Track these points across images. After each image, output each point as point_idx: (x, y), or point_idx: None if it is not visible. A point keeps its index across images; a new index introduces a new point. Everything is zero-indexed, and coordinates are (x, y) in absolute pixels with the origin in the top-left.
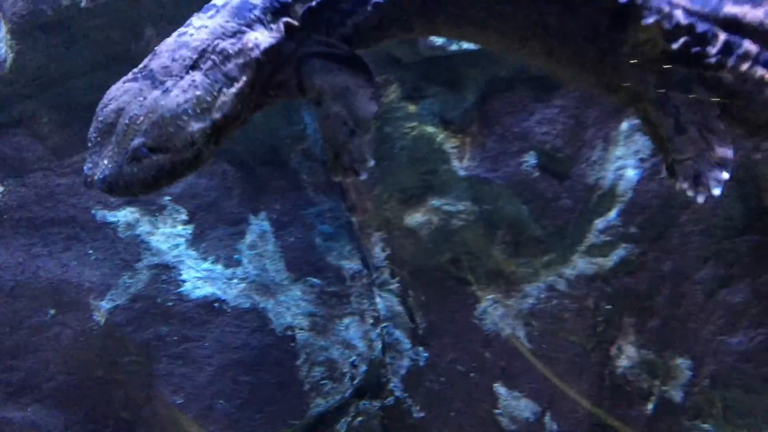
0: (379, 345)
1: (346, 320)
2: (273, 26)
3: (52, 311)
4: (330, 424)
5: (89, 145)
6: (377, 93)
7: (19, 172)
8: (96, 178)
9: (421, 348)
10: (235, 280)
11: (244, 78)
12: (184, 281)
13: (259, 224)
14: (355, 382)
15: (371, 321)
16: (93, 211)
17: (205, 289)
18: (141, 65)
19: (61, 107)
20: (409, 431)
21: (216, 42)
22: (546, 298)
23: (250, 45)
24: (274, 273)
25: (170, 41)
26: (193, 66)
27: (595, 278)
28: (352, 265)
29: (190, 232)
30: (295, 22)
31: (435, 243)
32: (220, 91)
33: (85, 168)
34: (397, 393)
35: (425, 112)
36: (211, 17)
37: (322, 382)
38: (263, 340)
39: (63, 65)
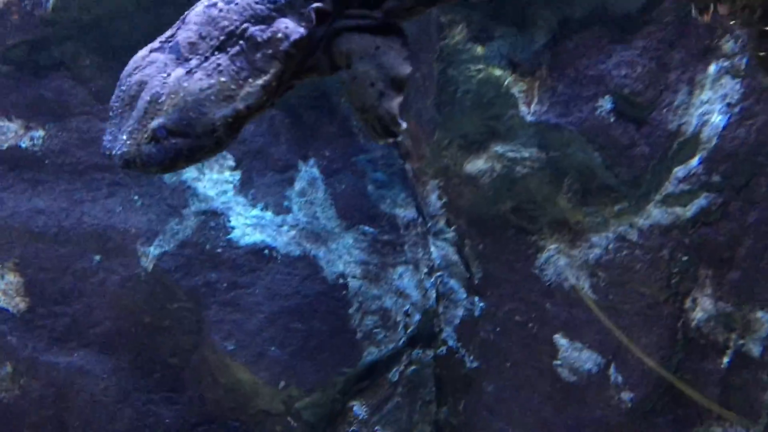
0: (433, 294)
1: (400, 269)
2: (303, 11)
3: (98, 257)
4: (382, 373)
5: (110, 114)
6: (411, 56)
7: (61, 116)
8: (114, 152)
9: (476, 298)
10: (285, 227)
11: (271, 70)
12: (232, 228)
13: (308, 171)
14: (408, 331)
15: (425, 270)
16: None
17: (254, 236)
18: (168, 33)
19: (103, 50)
20: (462, 381)
21: (245, 25)
22: (615, 248)
23: (280, 35)
24: (324, 221)
25: (199, 11)
26: (219, 47)
27: (671, 228)
28: (406, 213)
29: (237, 178)
30: (327, 7)
31: (496, 191)
32: (245, 80)
33: (104, 139)
34: (450, 343)
35: (492, 54)
36: None
37: (374, 330)
38: (315, 288)
39: (105, 6)
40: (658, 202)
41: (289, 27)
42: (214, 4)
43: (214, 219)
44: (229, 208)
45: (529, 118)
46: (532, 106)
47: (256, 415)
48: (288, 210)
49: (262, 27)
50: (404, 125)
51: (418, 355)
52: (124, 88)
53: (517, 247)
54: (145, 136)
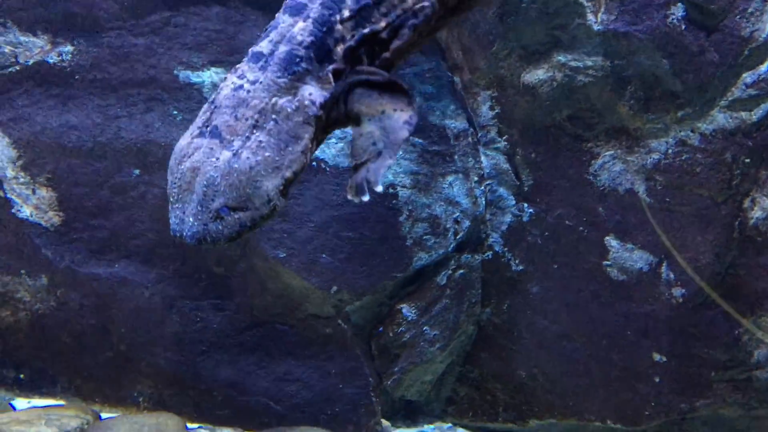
0: (482, 202)
1: (450, 178)
2: (321, 74)
3: (137, 171)
4: (430, 277)
5: (170, 200)
6: (413, 117)
7: (91, 31)
8: (185, 234)
9: (525, 204)
10: (333, 140)
11: (306, 135)
12: None
13: None
14: (457, 237)
15: (475, 179)
16: (175, 72)
17: None
18: (204, 118)
19: None
20: (507, 284)
21: (273, 100)
22: (675, 153)
23: (307, 102)
24: None
25: (228, 94)
26: (256, 125)
27: (734, 132)
28: (456, 124)
29: None
30: (341, 66)
31: (553, 100)
32: (286, 149)
33: (172, 223)
34: (497, 248)
35: None
36: (262, 69)
37: (424, 237)
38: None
39: None
40: (723, 107)
41: (313, 93)
42: (241, 87)
43: None
44: None
45: (596, 27)
46: (600, 15)
47: (305, 319)
48: None
49: (289, 98)
50: (381, 188)
51: (466, 259)
52: (178, 176)
53: (571, 154)
54: (210, 216)
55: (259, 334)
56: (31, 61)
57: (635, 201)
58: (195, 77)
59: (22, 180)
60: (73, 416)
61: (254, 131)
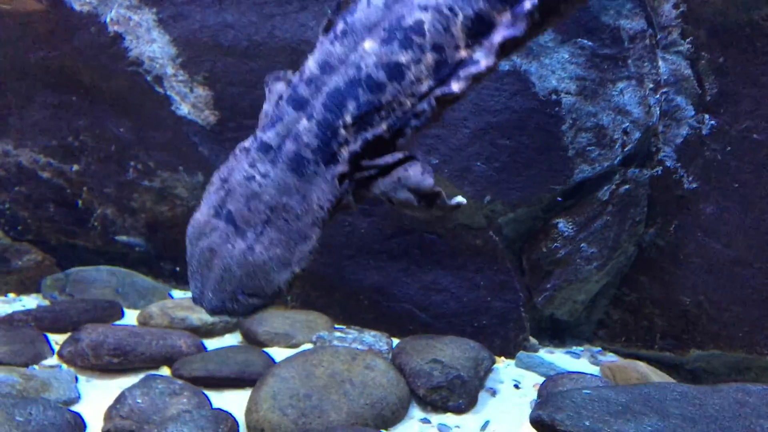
0: (657, 111)
1: (621, 84)
2: (328, 176)
3: (291, 71)
4: (591, 191)
5: (190, 268)
6: (426, 167)
7: None
8: (204, 304)
9: (707, 115)
10: None
11: (314, 236)
12: None
13: None
14: (626, 149)
15: (650, 86)
16: None
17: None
18: (218, 196)
19: None
20: (678, 202)
21: (284, 199)
22: None
23: (315, 207)
24: None
25: (240, 180)
26: (268, 221)
27: None
28: (632, 24)
29: None
30: (345, 169)
31: None
32: (296, 247)
33: (192, 290)
34: (668, 163)
35: None
36: (272, 162)
37: (588, 148)
38: (525, 104)
39: None
40: None
41: (321, 198)
42: (253, 177)
43: None
44: None
45: None
46: None
47: (455, 229)
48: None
49: (299, 199)
50: (464, 201)
51: (633, 174)
52: (197, 251)
53: (766, 59)
54: (227, 296)
55: (407, 241)
56: None
57: None
58: None
59: (181, 78)
60: None
61: (266, 226)
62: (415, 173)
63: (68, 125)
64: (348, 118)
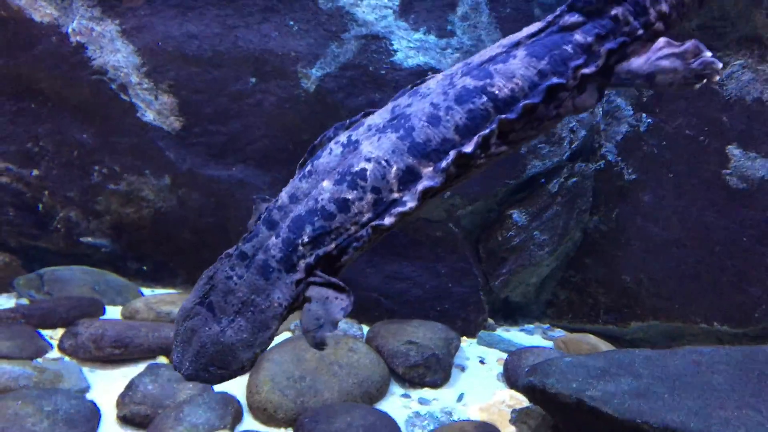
0: (600, 111)
1: None
2: (288, 281)
3: (254, 79)
4: (542, 184)
5: (174, 342)
6: (348, 306)
7: None
8: (182, 372)
9: (644, 114)
10: (449, 50)
11: (273, 327)
12: (395, 51)
13: None
14: (573, 146)
15: None
16: None
17: (417, 59)
18: (204, 289)
19: None
20: (618, 192)
21: (253, 296)
22: None
23: (276, 305)
24: (490, 43)
25: (222, 279)
26: (239, 312)
27: None
28: None
29: (396, 3)
30: (301, 276)
31: None
32: (258, 333)
33: (174, 359)
34: (610, 157)
35: None
36: (246, 267)
37: (539, 145)
38: None
39: None
40: None
41: (281, 297)
42: (231, 277)
43: (376, 42)
44: (390, 32)
45: None
46: None
47: (416, 222)
48: (452, 33)
49: (263, 297)
50: (326, 347)
51: (579, 168)
52: (182, 329)
53: None
54: (201, 367)
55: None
56: None
57: (762, 110)
58: None
59: (145, 86)
60: None
61: (237, 316)
62: (339, 304)
63: (27, 131)
64: (305, 238)
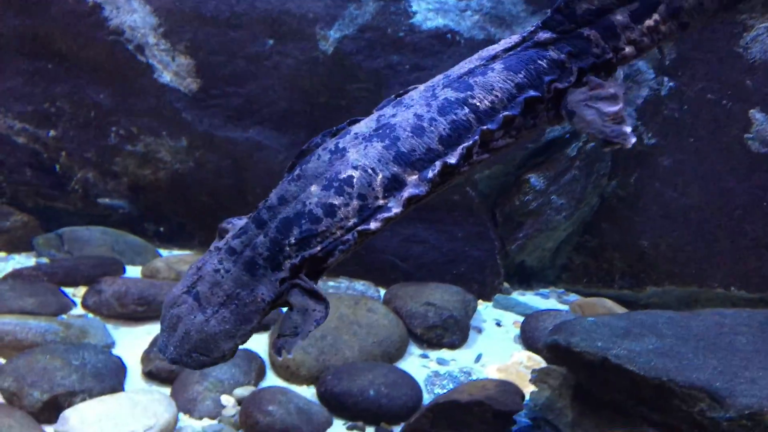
0: (620, 75)
1: None
2: (273, 279)
3: (271, 41)
4: (560, 148)
5: (161, 328)
6: (324, 317)
7: None
8: (166, 355)
9: (665, 78)
10: (469, 12)
11: (255, 320)
12: (414, 12)
13: None
14: None
15: None
16: None
17: (437, 21)
18: (192, 279)
19: None
20: (638, 157)
21: (238, 290)
22: None
23: (259, 300)
24: (510, 5)
25: (210, 271)
26: (223, 304)
27: None
28: None
29: None
30: (286, 275)
31: None
32: (240, 325)
33: (159, 343)
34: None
35: None
36: (233, 262)
37: None
38: None
39: None
40: None
41: (265, 294)
42: (218, 270)
43: (395, 4)
44: None
45: None
46: None
47: None
48: None
49: (248, 292)
50: (290, 355)
51: None
52: (168, 315)
53: (721, 26)
54: (184, 352)
55: None
56: None
57: None
58: None
59: (162, 47)
60: None
61: (222, 307)
62: (313, 316)
63: (44, 92)
64: (292, 240)
